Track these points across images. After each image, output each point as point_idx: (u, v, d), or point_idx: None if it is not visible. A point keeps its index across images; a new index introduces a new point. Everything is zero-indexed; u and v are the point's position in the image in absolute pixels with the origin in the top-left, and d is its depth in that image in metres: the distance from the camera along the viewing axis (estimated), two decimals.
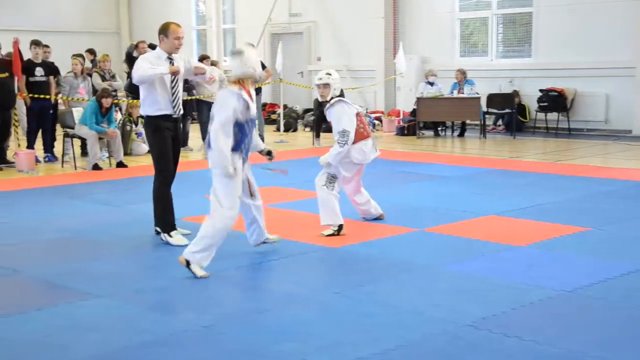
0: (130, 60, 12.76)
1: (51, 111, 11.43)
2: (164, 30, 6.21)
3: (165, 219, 6.35)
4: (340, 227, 6.48)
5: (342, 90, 6.68)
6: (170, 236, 6.26)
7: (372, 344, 3.96)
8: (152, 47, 12.31)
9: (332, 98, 6.61)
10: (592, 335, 4.07)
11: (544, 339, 4.00)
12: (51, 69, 11.40)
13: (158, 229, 6.41)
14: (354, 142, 6.55)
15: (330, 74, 6.67)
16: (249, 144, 5.62)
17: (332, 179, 6.59)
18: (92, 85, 11.90)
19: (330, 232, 6.46)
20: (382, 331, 4.16)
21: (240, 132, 5.43)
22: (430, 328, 4.19)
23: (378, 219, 7.05)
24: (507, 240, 6.21)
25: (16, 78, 10.86)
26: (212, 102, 14.26)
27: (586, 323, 4.27)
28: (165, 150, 6.31)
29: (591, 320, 4.32)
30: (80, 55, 12.20)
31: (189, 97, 12.84)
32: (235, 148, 5.41)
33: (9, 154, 11.17)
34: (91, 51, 14.71)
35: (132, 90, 12.65)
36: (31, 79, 11.05)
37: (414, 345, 3.97)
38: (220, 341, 4.08)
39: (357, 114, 6.67)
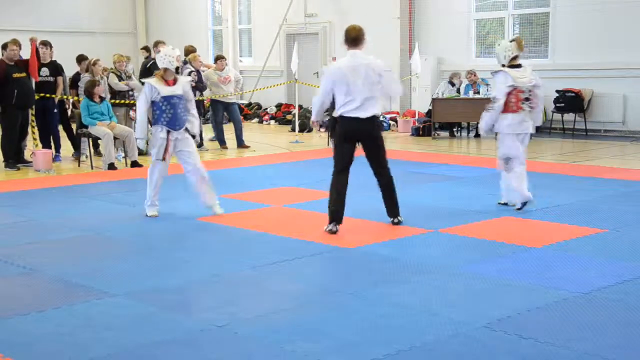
0: (146, 73, 12.74)
1: (55, 110, 11.50)
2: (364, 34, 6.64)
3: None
4: (524, 203, 7.28)
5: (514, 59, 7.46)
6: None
7: (386, 345, 3.96)
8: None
9: (503, 66, 7.37)
10: (609, 337, 4.05)
11: (560, 341, 3.98)
12: (58, 70, 11.47)
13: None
14: (502, 112, 7.31)
15: (499, 44, 7.59)
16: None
17: (506, 160, 7.32)
18: (109, 85, 11.94)
19: (518, 206, 7.32)
20: (396, 332, 4.16)
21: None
22: (445, 329, 4.18)
23: (522, 206, 7.36)
24: (523, 241, 6.18)
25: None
26: (227, 102, 14.37)
27: (602, 325, 4.24)
28: None
29: (608, 322, 4.30)
30: (85, 58, 12.23)
31: (200, 98, 12.88)
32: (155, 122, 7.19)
33: (26, 154, 11.27)
34: (146, 49, 14.79)
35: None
36: (38, 79, 11.15)
37: (428, 346, 3.96)
38: (235, 341, 4.09)
39: (515, 88, 7.27)
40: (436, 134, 14.76)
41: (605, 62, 13.87)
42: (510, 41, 7.56)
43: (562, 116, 14.40)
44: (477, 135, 14.59)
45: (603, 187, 8.62)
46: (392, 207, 6.82)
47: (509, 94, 7.32)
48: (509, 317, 4.36)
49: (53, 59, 11.79)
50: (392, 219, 6.82)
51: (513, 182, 7.38)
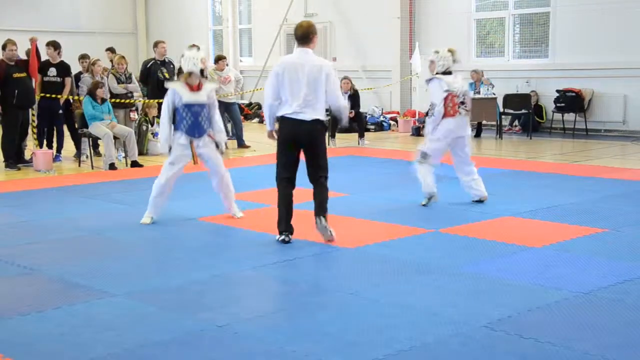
0: (146, 73, 12.68)
1: (60, 111, 11.50)
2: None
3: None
4: (430, 197, 7.59)
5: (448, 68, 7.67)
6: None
7: (387, 345, 3.96)
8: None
9: (437, 73, 7.56)
10: (609, 337, 4.05)
11: (560, 341, 3.98)
12: (66, 70, 11.48)
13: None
14: (442, 118, 7.51)
15: (437, 52, 7.70)
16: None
17: (424, 155, 7.64)
18: (108, 86, 11.94)
19: (424, 201, 7.61)
20: (397, 332, 4.15)
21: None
22: (445, 329, 4.18)
23: (480, 201, 7.69)
24: (523, 241, 6.18)
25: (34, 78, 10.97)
26: (228, 102, 14.36)
27: (603, 325, 4.24)
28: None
29: (608, 322, 4.30)
30: (87, 56, 12.22)
31: None
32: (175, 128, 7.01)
33: (27, 154, 11.28)
34: (112, 50, 14.74)
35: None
36: (45, 79, 11.16)
37: (429, 346, 3.96)
38: (235, 341, 4.09)
39: (450, 93, 7.49)
40: None
41: (606, 61, 13.86)
42: (448, 51, 7.78)
43: (563, 116, 14.39)
44: (477, 135, 14.58)
45: (603, 187, 8.61)
46: (320, 207, 6.26)
47: (445, 99, 7.51)
48: (509, 317, 4.36)
49: (62, 59, 11.84)
50: (316, 219, 6.28)
51: (420, 174, 7.68)
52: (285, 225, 6.23)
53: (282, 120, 6.16)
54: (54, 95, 11.23)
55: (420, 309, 4.54)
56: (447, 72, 7.61)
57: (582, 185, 8.82)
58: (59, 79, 11.32)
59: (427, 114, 7.72)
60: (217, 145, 7.08)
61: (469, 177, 7.76)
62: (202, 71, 6.94)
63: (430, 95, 7.69)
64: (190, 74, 6.89)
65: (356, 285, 5.08)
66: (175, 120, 7.02)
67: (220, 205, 7.40)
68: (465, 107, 7.64)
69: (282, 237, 6.22)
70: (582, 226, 6.69)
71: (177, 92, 6.93)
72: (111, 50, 14.63)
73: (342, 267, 5.69)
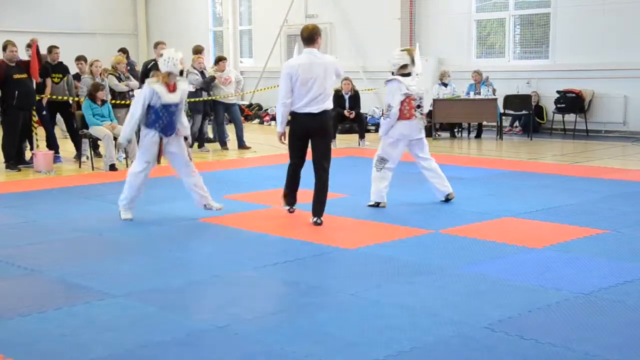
0: (146, 73, 12.68)
1: (44, 112, 11.49)
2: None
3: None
4: (378, 203, 7.59)
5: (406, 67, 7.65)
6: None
7: (387, 346, 3.96)
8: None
9: (393, 73, 7.58)
10: (610, 338, 4.05)
11: (561, 342, 3.98)
12: (45, 71, 11.43)
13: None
14: (397, 120, 7.52)
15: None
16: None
17: (381, 160, 7.62)
18: (109, 86, 11.94)
19: (371, 203, 7.63)
20: (397, 333, 4.15)
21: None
22: (446, 330, 4.18)
23: (447, 199, 7.77)
24: (524, 242, 6.18)
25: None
26: (228, 103, 14.35)
27: (603, 326, 4.24)
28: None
29: (608, 323, 4.29)
30: (83, 58, 12.22)
31: (208, 98, 12.88)
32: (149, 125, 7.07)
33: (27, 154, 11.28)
34: (124, 50, 14.77)
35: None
36: None
37: (429, 347, 3.96)
38: (236, 342, 4.09)
39: (408, 97, 7.50)
40: (437, 135, 14.75)
41: (606, 62, 13.87)
42: (402, 50, 7.81)
43: (563, 117, 14.40)
44: (478, 136, 14.59)
45: (604, 188, 8.61)
46: (318, 206, 6.88)
47: (402, 101, 7.52)
48: (509, 318, 4.36)
49: (60, 60, 11.84)
50: (314, 219, 6.87)
51: (375, 181, 7.67)
52: (291, 197, 7.12)
53: (296, 115, 6.74)
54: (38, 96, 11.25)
55: (421, 309, 4.54)
56: (406, 74, 7.58)
57: (582, 186, 8.81)
58: (40, 80, 11.31)
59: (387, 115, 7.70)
60: (186, 139, 7.30)
61: (432, 173, 7.83)
62: (181, 72, 7.08)
63: (387, 96, 7.67)
64: (169, 74, 6.99)
65: (356, 285, 5.08)
66: (147, 119, 7.06)
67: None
68: (421, 111, 7.69)
69: (288, 207, 7.17)
70: (582, 227, 6.69)
71: (156, 92, 6.99)
72: (123, 51, 14.66)
73: (342, 268, 5.68)
